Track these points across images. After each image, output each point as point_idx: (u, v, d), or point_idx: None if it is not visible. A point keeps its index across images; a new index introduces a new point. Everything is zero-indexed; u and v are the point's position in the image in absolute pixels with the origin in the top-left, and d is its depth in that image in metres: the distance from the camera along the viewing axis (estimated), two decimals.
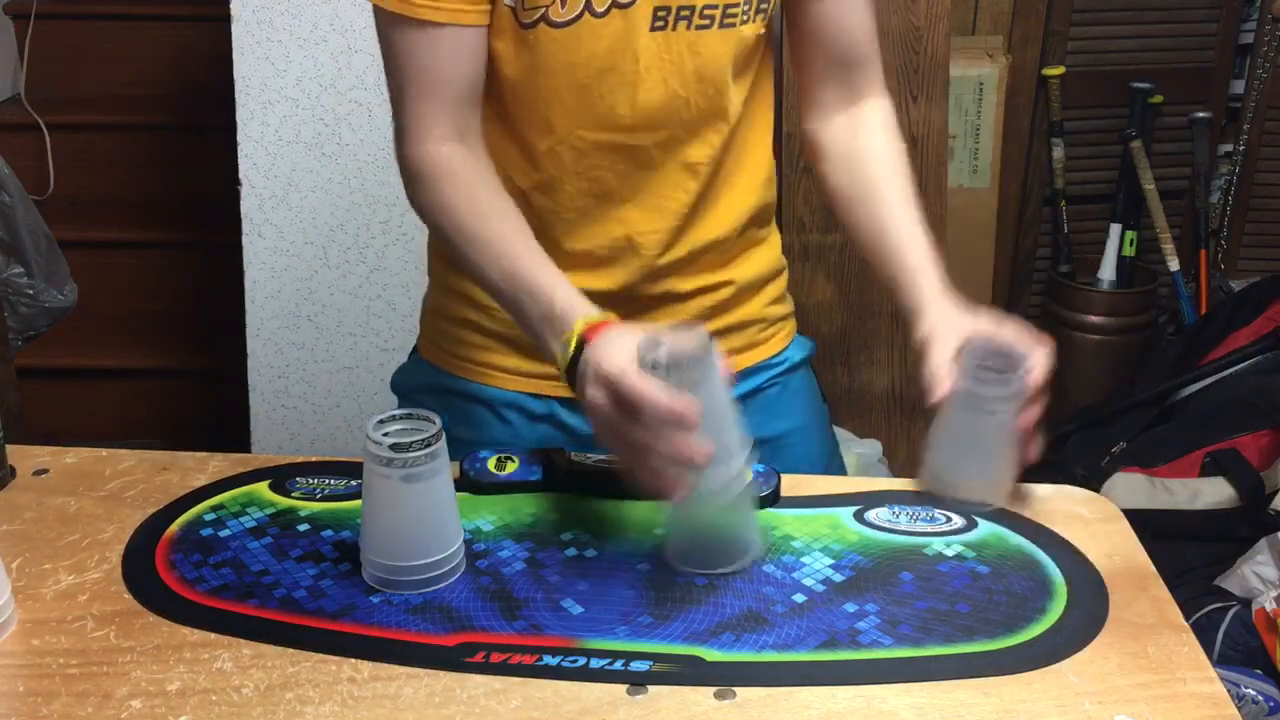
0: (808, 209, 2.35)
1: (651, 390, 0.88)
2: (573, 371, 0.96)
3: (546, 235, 1.15)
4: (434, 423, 0.96)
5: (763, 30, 1.15)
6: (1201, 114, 2.72)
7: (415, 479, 0.94)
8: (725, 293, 1.23)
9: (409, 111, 1.09)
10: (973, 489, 1.07)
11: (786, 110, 2.27)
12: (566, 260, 1.13)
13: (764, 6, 1.12)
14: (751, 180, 1.21)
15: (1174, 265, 2.69)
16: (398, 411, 0.98)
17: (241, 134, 2.18)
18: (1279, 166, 2.82)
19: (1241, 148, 2.82)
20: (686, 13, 1.08)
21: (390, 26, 1.07)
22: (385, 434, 0.96)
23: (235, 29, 2.13)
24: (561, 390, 1.14)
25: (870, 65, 1.21)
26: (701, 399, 0.89)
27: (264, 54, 2.13)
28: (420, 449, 0.94)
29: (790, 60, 1.23)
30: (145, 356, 2.78)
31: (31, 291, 2.49)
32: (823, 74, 1.21)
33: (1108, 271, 2.74)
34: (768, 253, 1.27)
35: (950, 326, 1.07)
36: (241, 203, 2.21)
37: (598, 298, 1.03)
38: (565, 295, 1.01)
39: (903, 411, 2.33)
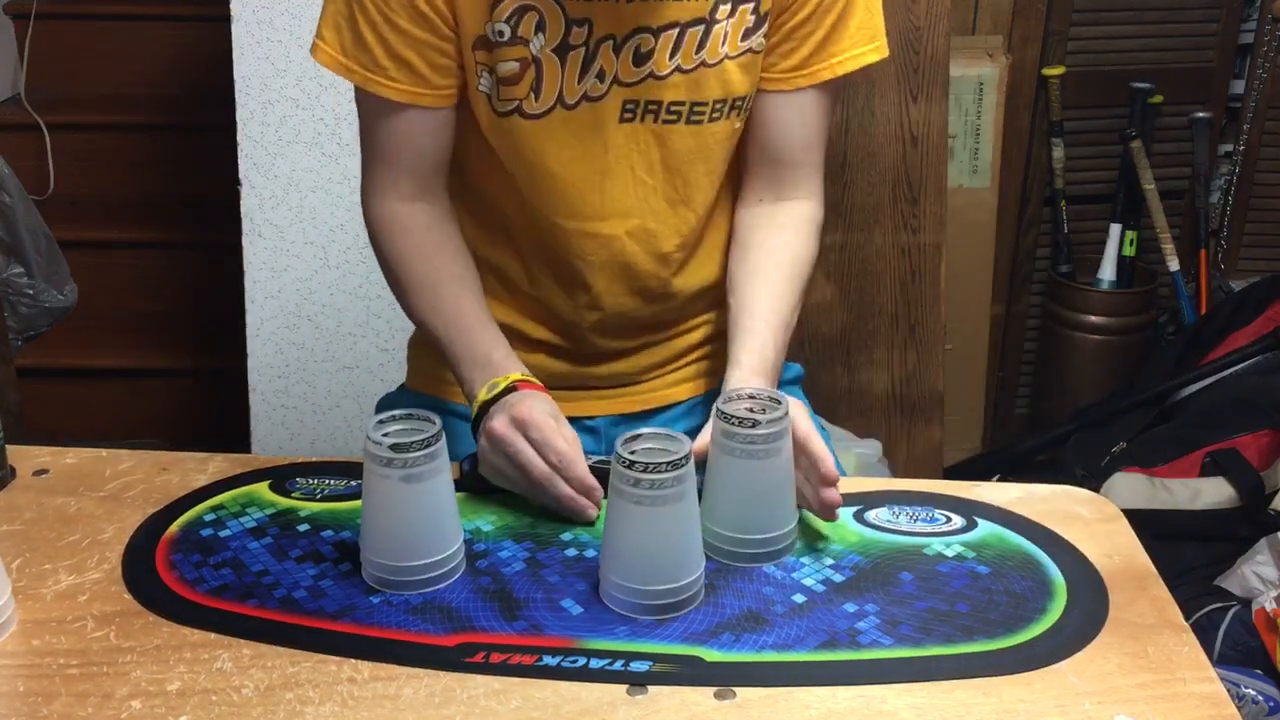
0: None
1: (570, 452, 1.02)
2: (488, 406, 1.05)
3: (516, 295, 1.24)
4: (434, 423, 0.96)
5: (737, 125, 1.16)
6: (1201, 114, 2.72)
7: (415, 479, 0.94)
8: (700, 333, 1.29)
9: (373, 173, 1.16)
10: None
11: None
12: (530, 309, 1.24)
13: (738, 105, 1.14)
14: (719, 255, 1.25)
15: (1174, 265, 2.69)
16: (398, 412, 0.98)
17: (241, 134, 2.18)
18: (1279, 166, 2.81)
19: (1241, 148, 2.82)
20: (654, 107, 1.12)
21: (359, 96, 1.15)
22: (385, 434, 0.96)
23: (235, 29, 2.13)
24: (568, 409, 1.22)
25: (803, 171, 1.20)
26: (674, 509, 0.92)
27: (264, 54, 2.13)
28: (420, 449, 0.93)
29: None
30: (145, 356, 2.77)
31: (31, 291, 2.49)
32: (754, 166, 1.21)
33: (1108, 271, 2.74)
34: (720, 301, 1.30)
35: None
36: (241, 203, 2.21)
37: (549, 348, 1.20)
38: (505, 354, 1.11)
39: (903, 411, 2.33)
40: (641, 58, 1.09)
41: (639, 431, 0.94)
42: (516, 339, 1.21)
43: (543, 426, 1.02)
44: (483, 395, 1.07)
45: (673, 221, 1.18)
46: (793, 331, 1.17)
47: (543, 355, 1.25)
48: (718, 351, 1.30)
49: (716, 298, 1.26)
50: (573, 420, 1.26)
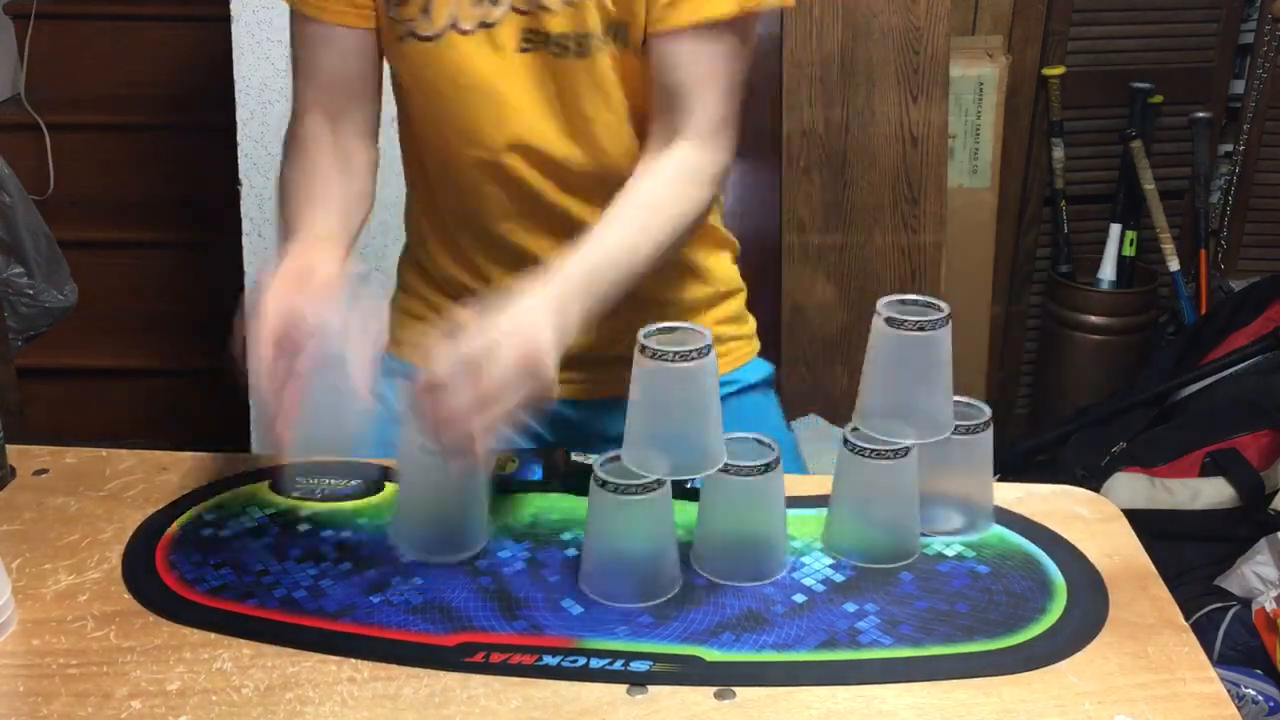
0: (808, 209, 2.35)
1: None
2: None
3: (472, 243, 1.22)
4: None
5: (627, 60, 1.12)
6: (1201, 114, 2.72)
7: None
8: (668, 313, 1.20)
9: (295, 95, 1.20)
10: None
11: (785, 111, 2.28)
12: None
13: (619, 33, 1.10)
14: None
15: (1174, 265, 2.69)
16: None
17: (241, 134, 2.17)
18: (1279, 166, 2.81)
19: (1241, 148, 2.82)
20: (543, 37, 1.10)
21: (291, 19, 1.18)
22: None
23: (235, 29, 2.12)
24: (566, 391, 1.18)
25: (686, 116, 1.12)
26: (687, 391, 0.93)
27: (264, 54, 2.12)
28: None
29: None
30: (145, 356, 2.77)
31: (31, 291, 2.49)
32: (654, 107, 1.15)
33: (1108, 271, 2.74)
34: (703, 284, 1.27)
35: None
36: (241, 203, 2.21)
37: None
38: (308, 228, 1.08)
39: None
40: None
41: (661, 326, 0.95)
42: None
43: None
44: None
45: (578, 157, 1.15)
46: (633, 278, 1.06)
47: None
48: (720, 335, 1.25)
49: (679, 266, 1.24)
50: (574, 400, 1.25)
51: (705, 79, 1.12)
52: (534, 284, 0.98)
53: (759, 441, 0.99)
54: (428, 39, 1.11)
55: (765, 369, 1.34)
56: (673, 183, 1.11)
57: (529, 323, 0.93)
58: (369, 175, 1.20)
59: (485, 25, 1.10)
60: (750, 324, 1.35)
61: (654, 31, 1.11)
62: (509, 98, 1.12)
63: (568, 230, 1.12)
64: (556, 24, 1.10)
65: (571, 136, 1.15)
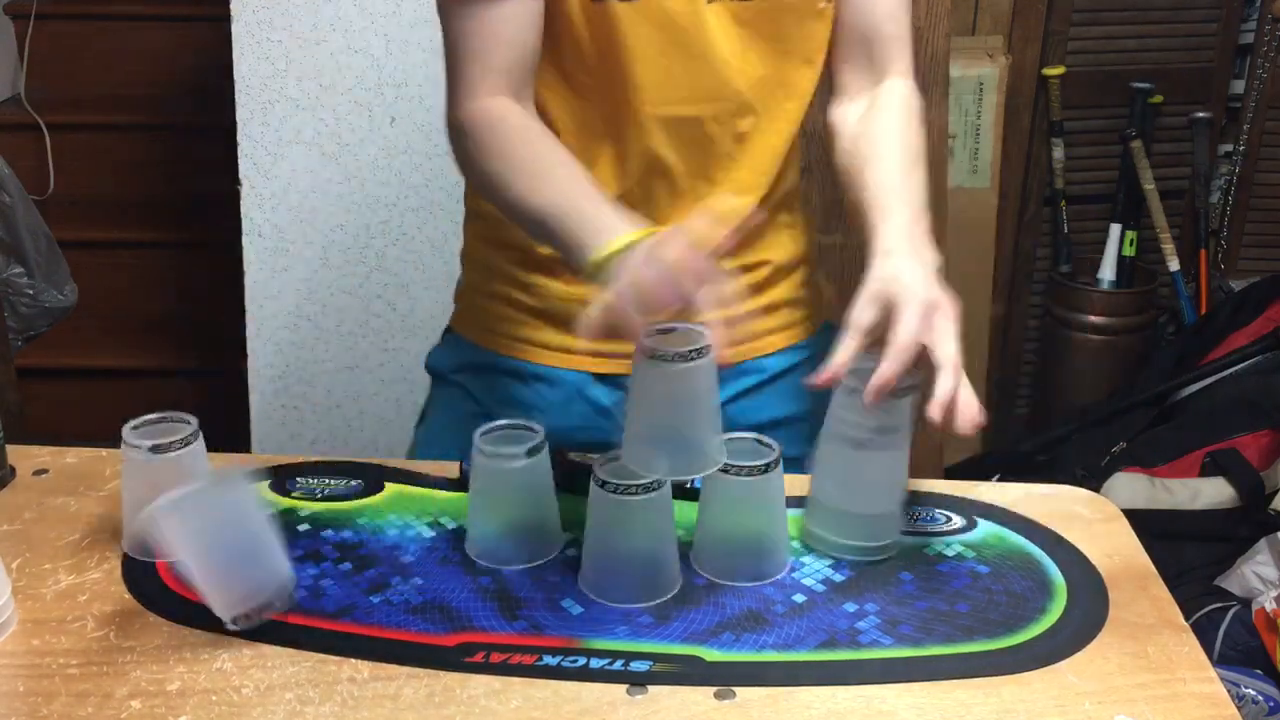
0: (808, 209, 2.34)
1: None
2: (611, 260, 0.93)
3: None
4: (535, 432, 1.00)
5: (821, 5, 1.14)
6: (1201, 114, 2.72)
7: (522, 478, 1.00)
8: (761, 273, 1.23)
9: (462, 76, 1.10)
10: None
11: None
12: None
13: None
14: (796, 158, 1.24)
15: (1174, 265, 2.69)
16: (503, 423, 1.02)
17: (241, 134, 2.17)
18: (1279, 166, 2.81)
19: (1241, 148, 2.82)
20: None
21: (446, 5, 1.10)
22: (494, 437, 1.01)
23: (235, 29, 2.12)
24: (594, 365, 1.19)
25: (892, 45, 1.19)
26: (687, 391, 0.90)
27: (264, 54, 2.13)
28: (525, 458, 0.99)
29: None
30: (145, 356, 2.77)
31: (31, 291, 2.49)
32: (847, 55, 1.19)
33: (1108, 271, 2.74)
34: (798, 237, 1.28)
35: (878, 290, 1.01)
36: (241, 203, 2.21)
37: None
38: (614, 211, 0.99)
39: None
40: None
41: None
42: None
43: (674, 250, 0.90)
44: (604, 248, 0.95)
45: (770, 107, 1.16)
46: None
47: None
48: (804, 299, 1.27)
49: (782, 218, 1.25)
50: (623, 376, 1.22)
51: (899, 13, 1.18)
52: (887, 242, 1.04)
53: (759, 441, 0.99)
54: None
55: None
56: (900, 115, 1.18)
57: (933, 285, 0.99)
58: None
59: None
60: (828, 288, 1.38)
61: None
62: (704, 52, 1.10)
63: (729, 179, 1.16)
64: None
65: (762, 83, 1.14)
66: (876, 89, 1.19)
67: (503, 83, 1.10)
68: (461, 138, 1.11)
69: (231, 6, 2.11)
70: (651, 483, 0.93)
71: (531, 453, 0.99)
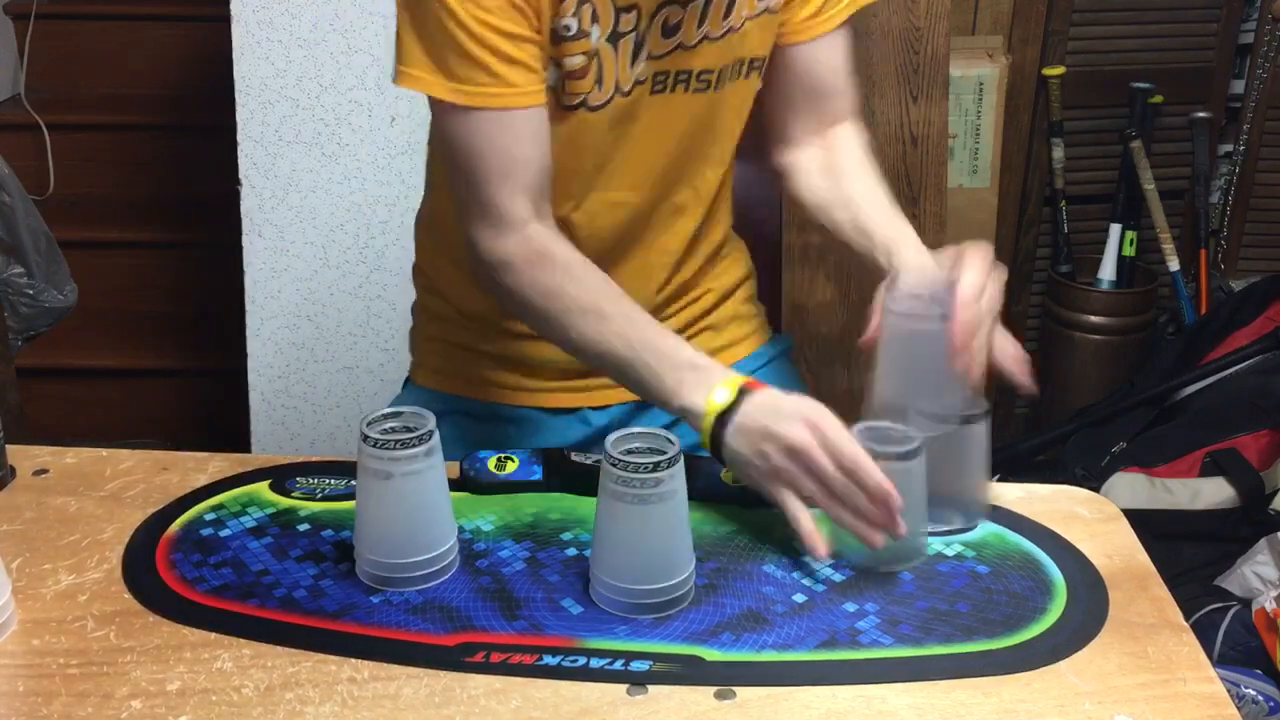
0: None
1: (865, 455, 0.95)
2: (726, 416, 0.99)
3: None
4: (426, 420, 0.96)
5: (756, 85, 1.20)
6: (1201, 114, 2.72)
7: (407, 476, 0.94)
8: (706, 300, 1.31)
9: (489, 199, 1.08)
10: (921, 418, 1.06)
11: None
12: None
13: (756, 65, 1.18)
14: (726, 207, 1.30)
15: (1174, 265, 2.69)
16: (388, 410, 0.98)
17: (241, 134, 2.18)
18: (1279, 166, 2.81)
19: (1241, 148, 2.82)
20: (684, 77, 1.14)
21: (457, 117, 1.06)
22: (380, 431, 0.96)
23: (235, 29, 2.13)
24: (581, 400, 1.27)
25: (843, 97, 1.25)
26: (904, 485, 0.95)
27: (264, 54, 2.13)
28: (411, 447, 0.94)
29: (761, 96, 1.25)
30: (145, 356, 2.77)
31: (31, 291, 2.49)
32: (796, 108, 1.24)
33: (1108, 271, 2.74)
34: (738, 261, 1.36)
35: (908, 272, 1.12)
36: (241, 203, 2.21)
37: None
38: (696, 352, 1.05)
39: None
40: (670, 29, 1.10)
41: (630, 430, 0.94)
42: (509, 330, 1.22)
43: (834, 426, 0.97)
44: (715, 402, 1.00)
45: (696, 182, 1.22)
46: None
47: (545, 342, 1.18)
48: (742, 314, 1.34)
49: (722, 254, 1.32)
50: (588, 410, 1.28)
51: (848, 60, 1.23)
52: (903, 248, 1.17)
53: (653, 450, 0.93)
54: (598, 108, 1.11)
55: (787, 340, 1.41)
56: (865, 156, 1.25)
57: None
58: None
59: (639, 83, 1.12)
60: (761, 305, 1.42)
61: (794, 41, 1.19)
62: (639, 138, 1.15)
63: (678, 248, 1.24)
64: (699, 61, 1.13)
65: (685, 161, 1.19)
66: (830, 131, 1.25)
67: (528, 203, 1.09)
68: (502, 270, 1.10)
69: (231, 6, 2.12)
70: (671, 457, 0.91)
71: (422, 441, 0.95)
